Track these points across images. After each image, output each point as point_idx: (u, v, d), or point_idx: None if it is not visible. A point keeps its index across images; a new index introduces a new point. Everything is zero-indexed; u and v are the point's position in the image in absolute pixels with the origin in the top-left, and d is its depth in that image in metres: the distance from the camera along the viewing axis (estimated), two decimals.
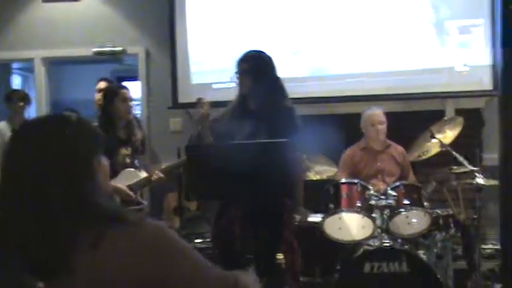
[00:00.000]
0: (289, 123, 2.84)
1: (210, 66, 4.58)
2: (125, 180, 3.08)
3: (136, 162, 3.22)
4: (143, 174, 3.19)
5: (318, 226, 3.13)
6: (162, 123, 4.79)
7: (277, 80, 2.94)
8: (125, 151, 3.12)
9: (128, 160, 3.13)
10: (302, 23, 4.41)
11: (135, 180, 3.11)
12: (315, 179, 3.53)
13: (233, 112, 2.92)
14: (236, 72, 2.91)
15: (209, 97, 4.45)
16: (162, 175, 3.10)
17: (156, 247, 1.05)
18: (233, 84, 4.38)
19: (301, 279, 3.22)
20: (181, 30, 4.60)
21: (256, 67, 2.87)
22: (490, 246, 3.86)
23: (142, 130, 3.38)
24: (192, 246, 1.16)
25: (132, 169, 3.15)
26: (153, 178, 3.11)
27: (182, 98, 4.62)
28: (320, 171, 3.56)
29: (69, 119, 1.13)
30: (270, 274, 2.91)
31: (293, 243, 3.03)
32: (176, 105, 4.65)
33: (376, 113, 3.66)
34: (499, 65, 1.96)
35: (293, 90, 4.31)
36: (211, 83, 4.57)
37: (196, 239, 3.94)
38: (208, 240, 3.91)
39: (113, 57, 5.07)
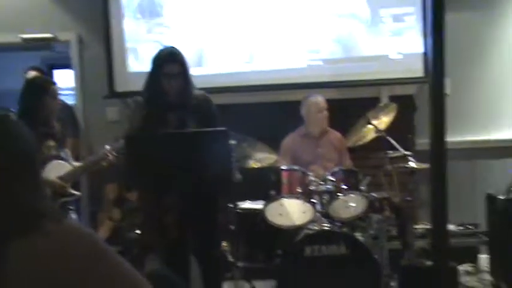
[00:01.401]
0: (214, 113, 2.91)
1: (147, 53, 4.48)
2: (54, 172, 3.01)
3: (62, 153, 3.14)
4: (72, 165, 3.12)
5: (259, 213, 3.17)
6: (99, 113, 4.65)
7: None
8: (50, 143, 3.04)
9: (54, 152, 3.07)
10: (242, 14, 4.38)
11: (64, 171, 3.04)
12: (255, 166, 3.56)
13: (151, 107, 2.85)
14: (162, 73, 2.82)
15: None
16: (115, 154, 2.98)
17: (75, 251, 1.03)
18: None
19: (242, 265, 3.27)
20: (116, 14, 4.45)
21: (187, 68, 2.85)
22: (422, 226, 4.04)
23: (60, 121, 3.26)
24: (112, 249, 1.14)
25: (61, 161, 3.08)
26: (110, 157, 2.97)
27: (119, 87, 4.51)
28: (261, 158, 3.59)
29: (11, 119, 1.10)
30: (209, 262, 2.92)
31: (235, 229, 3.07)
32: (113, 94, 4.52)
33: (320, 99, 3.76)
34: (429, 53, 2.04)
35: (233, 79, 4.37)
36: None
37: (138, 229, 3.88)
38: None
39: (43, 44, 4.84)
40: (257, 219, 3.20)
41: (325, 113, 3.75)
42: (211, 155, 2.43)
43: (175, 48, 2.93)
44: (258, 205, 3.31)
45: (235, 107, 4.29)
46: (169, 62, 2.82)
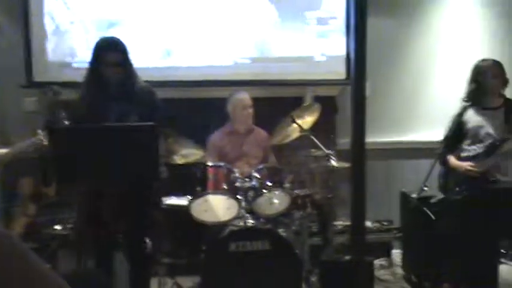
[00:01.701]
0: (158, 106, 2.87)
1: (69, 42, 4.32)
2: None
3: None
4: None
5: (184, 209, 3.16)
6: (15, 103, 4.40)
7: (133, 64, 2.91)
8: None
9: None
10: (166, 11, 4.33)
11: None
12: (180, 162, 3.54)
13: (94, 97, 2.79)
14: (102, 63, 2.78)
15: (68, 77, 4.25)
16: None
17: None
18: None
19: (167, 261, 3.24)
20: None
21: (127, 57, 2.82)
22: (341, 222, 4.21)
23: None
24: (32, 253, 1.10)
25: None
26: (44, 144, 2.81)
27: (38, 77, 4.31)
28: (186, 154, 3.58)
29: None
30: (138, 260, 2.88)
31: (161, 225, 3.04)
32: (31, 83, 4.31)
33: (246, 97, 3.81)
34: (352, 56, 2.13)
35: (159, 74, 4.31)
36: (71, 62, 4.32)
37: (56, 225, 3.74)
38: (69, 226, 3.74)
39: None
40: (182, 215, 3.19)
41: (250, 110, 3.80)
42: (138, 150, 2.39)
43: (116, 38, 2.88)
44: (183, 201, 3.30)
45: (162, 102, 4.24)
46: (109, 50, 2.78)
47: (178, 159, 3.48)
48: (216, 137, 3.81)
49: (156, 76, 4.26)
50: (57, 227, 3.73)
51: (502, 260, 3.97)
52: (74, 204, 3.89)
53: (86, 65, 4.20)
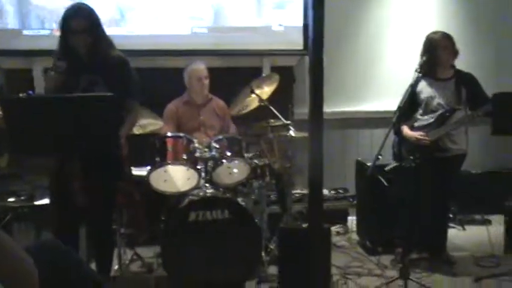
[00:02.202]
0: (129, 76, 2.84)
1: (19, 8, 4.14)
2: None
3: None
4: None
5: (144, 179, 3.15)
6: None
7: (105, 31, 2.84)
8: None
9: None
10: None
11: None
12: (138, 133, 3.50)
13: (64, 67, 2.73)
14: (68, 30, 2.71)
15: (18, 45, 4.09)
16: None
17: None
18: (47, 32, 4.07)
19: (126, 231, 3.24)
20: None
21: (95, 24, 2.74)
22: (299, 191, 4.29)
23: None
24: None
25: None
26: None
27: None
28: (144, 124, 3.54)
29: None
30: (103, 233, 2.87)
31: (133, 195, 3.02)
32: None
33: (201, 67, 3.77)
34: (310, 26, 2.15)
35: (115, 42, 4.19)
36: (21, 29, 4.15)
37: (9, 198, 3.65)
38: (22, 198, 3.66)
39: None
40: (141, 185, 3.17)
41: (206, 81, 3.77)
42: (94, 121, 2.35)
43: (83, 4, 2.81)
44: (142, 172, 3.28)
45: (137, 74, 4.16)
46: (73, 17, 2.71)
47: (137, 130, 3.44)
48: (172, 107, 3.78)
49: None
50: (11, 199, 3.65)
51: (450, 224, 4.19)
52: (26, 177, 3.81)
53: (37, 33, 4.13)
